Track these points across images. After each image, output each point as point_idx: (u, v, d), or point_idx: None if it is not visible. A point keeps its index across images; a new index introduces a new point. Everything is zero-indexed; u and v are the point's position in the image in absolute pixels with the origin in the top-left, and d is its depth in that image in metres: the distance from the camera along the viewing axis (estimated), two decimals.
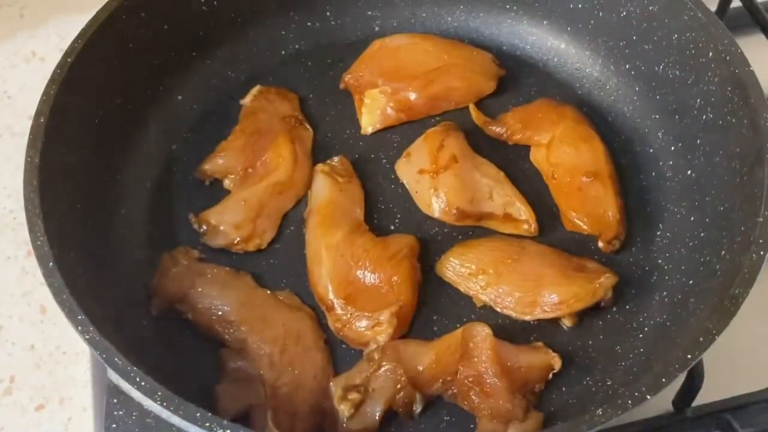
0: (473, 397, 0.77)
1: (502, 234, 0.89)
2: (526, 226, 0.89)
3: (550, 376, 0.80)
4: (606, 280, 0.82)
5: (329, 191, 0.90)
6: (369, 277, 0.84)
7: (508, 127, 0.97)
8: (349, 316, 0.82)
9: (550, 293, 0.82)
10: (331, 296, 0.83)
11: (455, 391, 0.78)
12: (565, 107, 0.98)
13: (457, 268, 0.86)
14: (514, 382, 0.77)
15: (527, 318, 0.83)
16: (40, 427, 0.84)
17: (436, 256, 0.89)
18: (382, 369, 0.77)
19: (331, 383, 0.78)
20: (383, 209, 0.93)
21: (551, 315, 0.83)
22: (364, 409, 0.76)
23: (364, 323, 0.81)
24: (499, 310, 0.84)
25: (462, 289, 0.86)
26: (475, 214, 0.90)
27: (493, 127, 0.97)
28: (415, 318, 0.85)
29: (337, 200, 0.89)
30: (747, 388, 0.83)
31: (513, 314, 0.84)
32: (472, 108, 0.99)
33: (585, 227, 0.89)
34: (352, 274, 0.84)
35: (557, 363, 0.80)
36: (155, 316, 0.83)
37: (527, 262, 0.85)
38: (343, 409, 0.76)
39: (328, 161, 0.94)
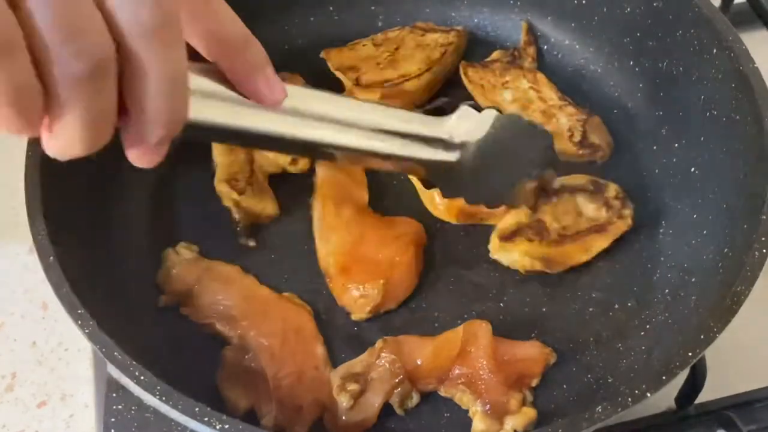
0: (469, 392, 0.77)
1: None
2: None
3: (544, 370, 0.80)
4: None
5: (330, 171, 0.91)
6: (372, 253, 0.85)
7: None
8: (341, 285, 0.84)
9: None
10: (332, 268, 0.85)
11: (451, 386, 0.78)
12: None
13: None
14: (509, 377, 0.77)
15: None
16: (42, 423, 0.84)
17: (437, 253, 0.89)
18: (382, 359, 0.78)
19: (331, 373, 0.79)
20: (385, 204, 0.92)
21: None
22: (362, 400, 0.77)
23: (356, 293, 0.83)
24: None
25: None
26: (477, 214, 0.90)
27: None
28: (417, 315, 0.85)
29: (339, 178, 0.91)
30: (750, 385, 0.83)
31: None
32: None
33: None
34: (356, 248, 0.85)
35: (552, 357, 0.80)
36: (161, 308, 0.83)
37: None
38: (342, 401, 0.76)
39: None
